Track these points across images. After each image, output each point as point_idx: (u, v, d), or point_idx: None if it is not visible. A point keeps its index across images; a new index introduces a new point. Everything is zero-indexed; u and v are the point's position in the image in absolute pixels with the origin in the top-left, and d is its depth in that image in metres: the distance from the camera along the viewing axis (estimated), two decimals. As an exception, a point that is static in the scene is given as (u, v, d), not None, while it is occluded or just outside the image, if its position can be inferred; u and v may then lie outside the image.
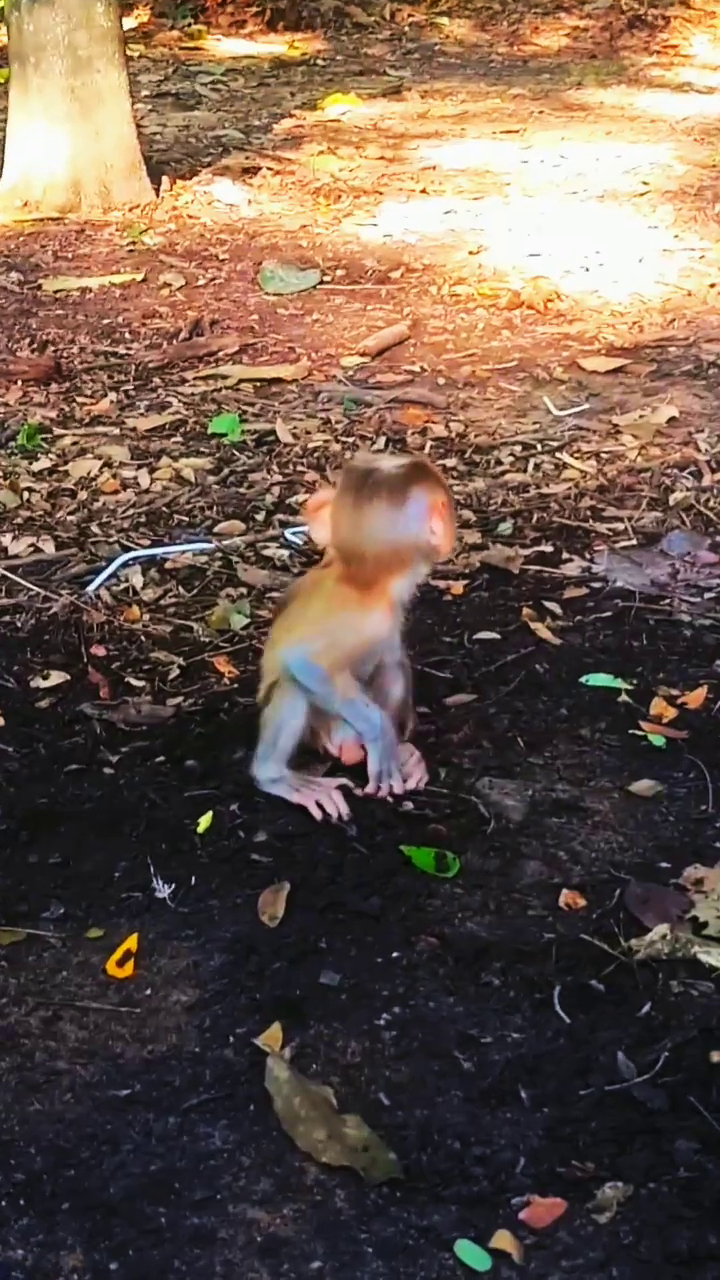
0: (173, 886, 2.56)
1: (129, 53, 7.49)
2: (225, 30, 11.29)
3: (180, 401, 4.71)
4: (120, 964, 2.39)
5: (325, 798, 2.73)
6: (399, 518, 2.61)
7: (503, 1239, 1.92)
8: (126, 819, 2.74)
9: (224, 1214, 1.96)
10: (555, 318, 5.40)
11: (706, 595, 3.51)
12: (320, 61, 10.43)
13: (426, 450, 4.31)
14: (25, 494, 4.07)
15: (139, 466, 4.24)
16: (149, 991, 2.35)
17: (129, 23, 10.36)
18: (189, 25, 11.26)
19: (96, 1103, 2.14)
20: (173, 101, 9.02)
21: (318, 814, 2.71)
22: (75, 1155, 2.05)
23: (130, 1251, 1.91)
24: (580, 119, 8.50)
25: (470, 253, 6.05)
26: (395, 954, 2.41)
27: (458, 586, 3.56)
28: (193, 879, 2.58)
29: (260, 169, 7.29)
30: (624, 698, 3.09)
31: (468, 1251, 1.91)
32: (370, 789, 2.74)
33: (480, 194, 6.93)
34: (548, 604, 3.47)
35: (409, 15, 11.72)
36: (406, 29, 11.49)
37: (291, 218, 6.62)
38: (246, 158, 7.49)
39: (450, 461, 4.25)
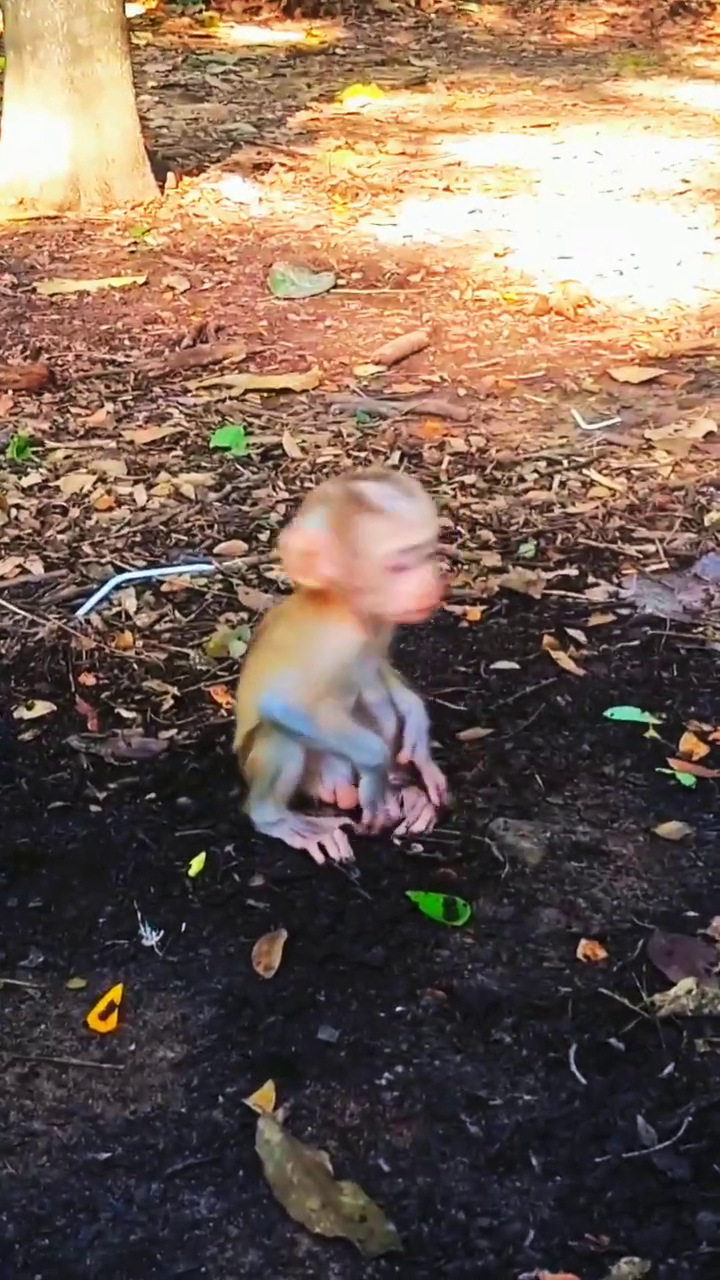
0: (161, 934, 2.56)
1: (134, 41, 7.57)
2: (238, 17, 11.38)
3: (181, 413, 4.73)
4: (103, 1017, 2.39)
5: (328, 840, 2.73)
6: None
7: (510, 1318, 1.91)
8: (113, 860, 2.75)
9: (208, 1288, 1.96)
10: (586, 325, 5.41)
11: (743, 623, 3.51)
12: (339, 50, 10.51)
13: (445, 466, 4.32)
14: (13, 511, 4.09)
15: (135, 482, 4.26)
16: (133, 1047, 2.34)
17: (135, 9, 10.45)
18: (199, 11, 11.35)
19: (74, 1166, 2.14)
20: (181, 93, 9.09)
21: (319, 857, 2.71)
22: (50, 1223, 2.05)
23: (106, 1328, 1.91)
24: (617, 112, 8.55)
25: (496, 255, 6.08)
26: (399, 1008, 2.41)
27: (475, 612, 3.56)
28: (183, 925, 2.58)
29: (273, 165, 7.34)
30: (651, 733, 3.09)
31: (471, 1332, 1.90)
32: (365, 820, 2.74)
33: (508, 192, 6.96)
34: (571, 632, 3.47)
35: (435, 1, 11.80)
36: (433, 16, 11.57)
37: (305, 217, 6.66)
38: (258, 153, 7.54)
39: (470, 478, 4.26)
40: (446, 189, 7.05)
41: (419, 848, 2.75)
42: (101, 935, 2.57)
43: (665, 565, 3.77)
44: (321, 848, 2.72)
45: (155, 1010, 2.42)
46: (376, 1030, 2.37)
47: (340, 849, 2.72)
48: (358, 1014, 2.40)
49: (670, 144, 7.70)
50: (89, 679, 3.32)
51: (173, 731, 3.13)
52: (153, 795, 2.93)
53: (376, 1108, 2.23)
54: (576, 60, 10.08)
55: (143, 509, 4.12)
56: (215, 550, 3.89)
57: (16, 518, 4.07)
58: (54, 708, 3.21)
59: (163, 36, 10.74)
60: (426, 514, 2.60)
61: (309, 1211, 2.05)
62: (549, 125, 8.24)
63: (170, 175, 7.01)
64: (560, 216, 6.52)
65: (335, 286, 5.83)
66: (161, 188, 6.90)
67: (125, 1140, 2.18)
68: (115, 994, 2.43)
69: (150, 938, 2.56)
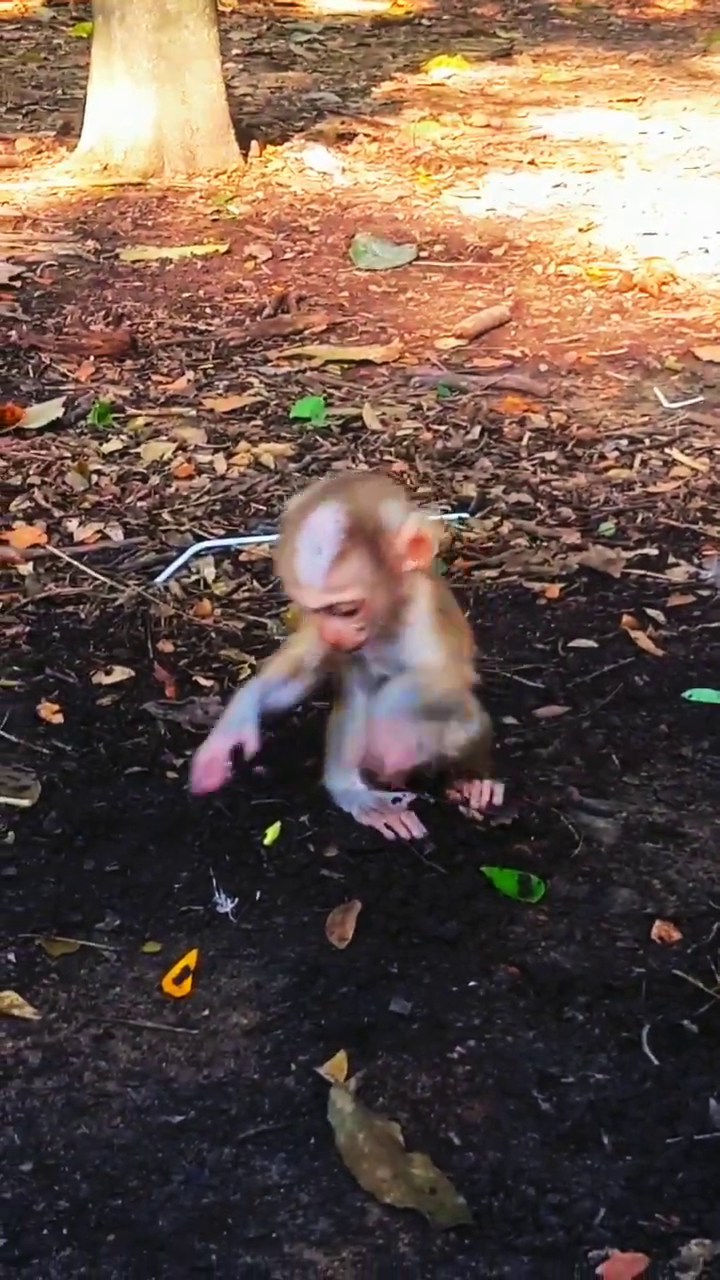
0: (236, 901, 2.57)
1: (220, 8, 7.55)
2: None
3: (262, 382, 4.73)
4: (177, 981, 2.41)
5: (395, 820, 2.73)
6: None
7: (579, 1295, 1.92)
8: (189, 828, 2.77)
9: (279, 1254, 1.97)
10: (670, 302, 5.37)
11: None
12: (425, 21, 10.46)
13: (525, 442, 4.31)
14: (94, 477, 4.11)
15: (215, 451, 4.27)
16: (207, 1012, 2.36)
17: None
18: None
19: (147, 1129, 2.16)
20: (265, 61, 9.07)
21: (389, 835, 2.71)
22: (123, 1184, 2.07)
23: (177, 1289, 1.93)
24: (705, 88, 8.46)
25: (580, 230, 6.04)
26: (472, 983, 2.42)
27: (553, 589, 3.56)
28: (257, 894, 2.60)
29: (356, 135, 7.32)
30: (730, 716, 3.07)
31: (540, 1307, 1.91)
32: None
33: (593, 167, 6.91)
34: (650, 611, 3.46)
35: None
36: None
37: (388, 188, 6.64)
38: (342, 123, 7.51)
39: (550, 455, 4.24)
40: (531, 162, 7.00)
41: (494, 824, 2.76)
42: (177, 901, 2.60)
43: (746, 547, 3.75)
44: (390, 826, 2.73)
45: (229, 977, 2.43)
46: (449, 1004, 2.38)
47: (411, 829, 2.72)
48: (430, 987, 2.41)
49: (758, 121, 7.63)
50: (167, 646, 3.34)
51: (250, 700, 3.14)
52: (228, 764, 2.94)
53: (448, 1081, 2.24)
54: (664, 35, 9.98)
55: (222, 478, 4.14)
56: (294, 521, 3.89)
57: (97, 484, 4.09)
58: (132, 674, 3.23)
59: (248, 4, 10.71)
60: (311, 578, 2.53)
61: (380, 1181, 2.06)
62: (635, 100, 8.17)
63: (254, 144, 7.00)
64: (645, 192, 6.47)
65: (417, 259, 5.81)
66: (245, 156, 6.89)
67: (198, 1104, 2.20)
68: (190, 959, 2.45)
69: (225, 905, 2.57)
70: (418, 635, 2.68)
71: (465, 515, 3.90)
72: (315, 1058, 2.27)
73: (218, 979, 2.43)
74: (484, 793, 2.80)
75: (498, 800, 2.79)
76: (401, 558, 2.58)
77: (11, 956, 2.47)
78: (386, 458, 4.23)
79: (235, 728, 2.72)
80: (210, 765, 2.71)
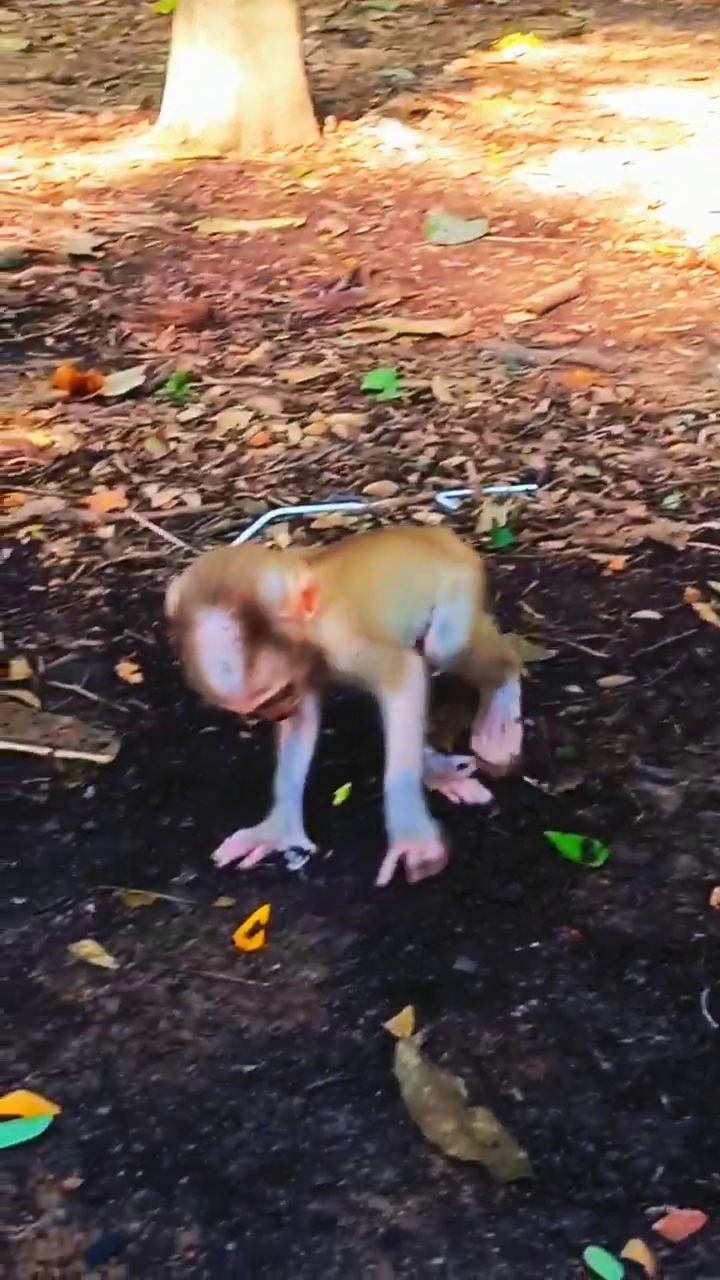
0: (306, 859, 2.58)
1: (299, -15, 7.51)
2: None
3: (335, 354, 4.72)
4: (249, 935, 2.42)
5: (459, 786, 2.74)
6: None
7: (636, 1249, 1.91)
8: (262, 787, 2.77)
9: (346, 1201, 1.98)
10: (736, 280, 5.32)
11: None
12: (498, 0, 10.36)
13: (592, 416, 4.28)
14: (172, 444, 4.12)
15: (289, 420, 4.26)
16: (277, 966, 2.37)
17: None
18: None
19: (219, 1077, 2.17)
20: (341, 38, 9.02)
21: (453, 799, 2.71)
22: (195, 1130, 2.09)
23: (248, 1233, 1.94)
24: (773, 68, 8.35)
25: (649, 207, 5.98)
26: (535, 944, 2.42)
27: (618, 561, 3.53)
28: (328, 853, 2.60)
29: (430, 111, 7.27)
30: (791, 688, 3.05)
31: (598, 1259, 1.91)
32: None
33: (662, 145, 6.84)
34: (713, 584, 3.43)
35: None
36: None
37: (460, 164, 6.59)
38: (416, 99, 7.46)
39: (617, 429, 4.21)
40: (600, 140, 6.93)
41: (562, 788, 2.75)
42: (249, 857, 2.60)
43: None
44: (454, 792, 2.73)
45: (299, 932, 2.44)
46: (512, 964, 2.38)
47: (475, 795, 2.73)
48: (494, 948, 2.41)
49: None
50: (242, 610, 3.34)
51: (321, 664, 3.14)
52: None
53: (511, 1039, 2.24)
54: (734, 14, 9.85)
55: (296, 447, 4.13)
56: (365, 489, 3.89)
57: (175, 451, 4.10)
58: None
59: (325, -19, 10.65)
60: (232, 693, 2.46)
61: (443, 1134, 2.06)
62: (704, 79, 8.06)
63: (330, 119, 6.97)
64: (713, 171, 6.39)
65: (488, 234, 5.77)
66: (321, 131, 6.86)
67: (268, 1055, 2.21)
68: (262, 914, 2.45)
69: (296, 863, 2.58)
70: (357, 661, 2.59)
71: (532, 487, 3.88)
72: (382, 1013, 2.27)
73: (288, 934, 2.44)
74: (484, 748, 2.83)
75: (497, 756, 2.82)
76: (299, 617, 2.47)
77: (90, 907, 2.49)
78: (456, 429, 4.21)
79: (279, 833, 2.64)
80: (239, 849, 2.63)
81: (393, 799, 2.55)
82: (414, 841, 2.53)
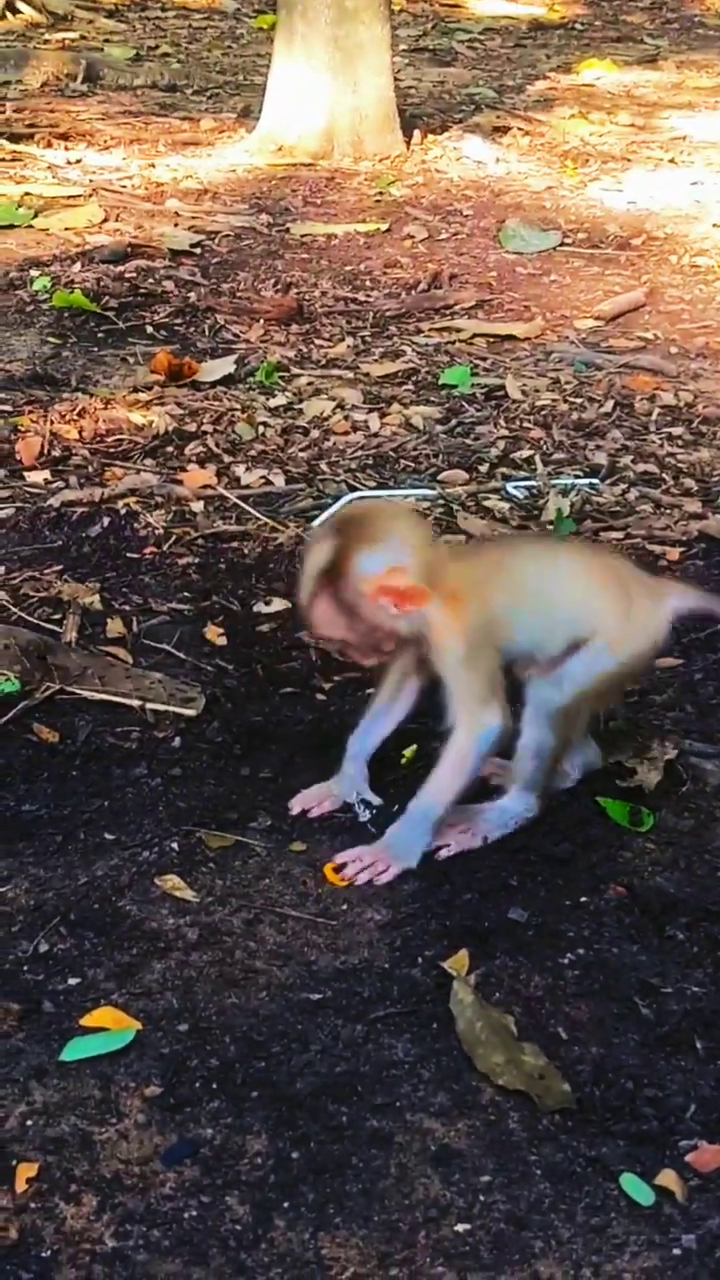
0: (374, 812, 2.63)
1: (391, 7, 7.53)
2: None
3: (414, 351, 4.75)
4: (337, 870, 2.48)
5: (452, 833, 2.59)
6: None
7: (668, 1178, 1.95)
8: (334, 743, 2.81)
9: (402, 1120, 2.03)
10: None
11: None
12: (578, 26, 10.34)
13: (654, 417, 4.29)
14: (261, 428, 4.17)
15: (370, 410, 4.30)
16: (345, 907, 2.42)
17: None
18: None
19: (289, 1003, 2.22)
20: (429, 57, 9.03)
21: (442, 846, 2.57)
22: (266, 1049, 2.14)
23: (312, 1144, 2.00)
24: None
25: (714, 225, 5.98)
26: (583, 899, 2.45)
27: (674, 552, 3.56)
28: (395, 806, 2.64)
29: (510, 129, 7.28)
30: None
31: (633, 1185, 1.95)
32: None
33: (729, 167, 6.83)
34: (763, 578, 3.46)
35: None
36: (678, 2, 11.31)
37: (537, 178, 6.61)
38: (498, 117, 7.48)
39: (677, 430, 4.23)
40: (671, 161, 6.93)
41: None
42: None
43: None
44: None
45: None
46: (561, 916, 2.42)
47: (463, 844, 2.59)
48: (545, 900, 2.45)
49: None
50: (321, 582, 3.39)
51: (393, 635, 3.19)
52: (371, 690, 2.99)
53: (558, 983, 2.28)
54: None
55: (375, 435, 4.17)
56: (439, 477, 3.93)
57: (263, 434, 4.15)
58: (289, 605, 3.29)
59: (416, 4, 10.66)
60: (303, 613, 2.51)
61: (493, 1065, 2.11)
62: (771, 107, 8.04)
63: (416, 132, 6.99)
64: (777, 193, 6.38)
65: (561, 245, 5.79)
66: (408, 143, 6.89)
67: (335, 985, 2.26)
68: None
69: (363, 815, 2.63)
70: (449, 668, 2.50)
71: (596, 481, 3.90)
72: (440, 953, 2.32)
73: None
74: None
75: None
76: (377, 604, 2.42)
77: (175, 845, 2.55)
78: (525, 425, 4.24)
79: (345, 789, 2.65)
80: (310, 801, 2.66)
81: (405, 820, 2.53)
82: (385, 856, 2.49)
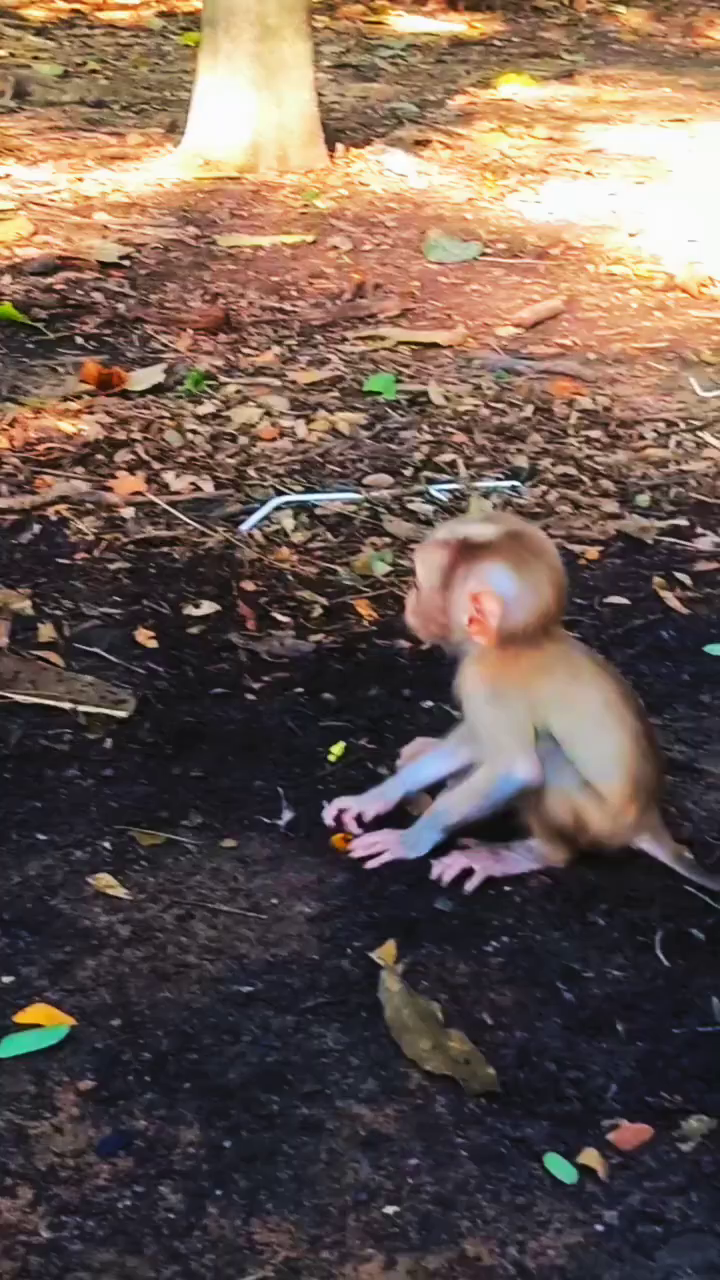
0: (293, 814, 2.62)
1: (314, 24, 7.53)
2: (407, 7, 11.28)
3: (340, 359, 4.76)
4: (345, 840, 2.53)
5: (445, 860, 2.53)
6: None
7: (590, 1156, 1.97)
8: (264, 742, 2.83)
9: (331, 1107, 2.04)
10: (708, 302, 5.37)
11: None
12: (497, 42, 10.39)
13: (573, 421, 4.33)
14: (189, 435, 4.16)
15: (297, 417, 4.31)
16: (275, 901, 2.43)
17: (316, -5, 10.39)
18: (373, 1, 11.26)
19: (221, 996, 2.22)
20: (352, 73, 9.04)
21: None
22: (198, 1041, 2.14)
23: (243, 1133, 2.00)
24: (747, 112, 8.39)
25: (629, 235, 6.03)
26: (508, 888, 2.47)
27: (592, 552, 3.59)
28: (324, 802, 2.65)
29: (431, 142, 7.30)
30: (746, 669, 3.11)
31: (556, 1164, 1.96)
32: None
33: (644, 179, 6.88)
34: (678, 575, 3.49)
35: (587, 2, 11.61)
36: (584, 15, 11.39)
37: (458, 191, 6.63)
38: (419, 131, 7.50)
39: (595, 433, 4.26)
40: (588, 173, 6.97)
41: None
42: (251, 804, 2.65)
43: (767, 522, 3.77)
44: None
45: (295, 872, 2.49)
46: (487, 905, 2.43)
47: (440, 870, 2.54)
48: (472, 891, 2.46)
49: None
50: (249, 585, 3.39)
51: (320, 636, 3.20)
52: (300, 689, 3.00)
53: (483, 970, 2.29)
54: (713, 63, 9.87)
55: (302, 441, 4.17)
56: (364, 481, 3.94)
57: (192, 441, 4.14)
58: (218, 608, 3.29)
59: (338, 21, 10.66)
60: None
61: (421, 1051, 2.12)
62: (684, 120, 8.10)
63: (340, 146, 6.99)
64: (690, 203, 6.43)
65: (482, 255, 5.80)
66: (332, 157, 6.88)
67: (265, 978, 2.26)
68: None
69: (286, 814, 2.62)
70: (470, 715, 2.50)
71: (517, 484, 3.93)
72: (368, 944, 2.33)
73: (285, 873, 2.49)
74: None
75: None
76: (459, 607, 2.42)
77: (107, 845, 2.54)
78: (448, 430, 4.26)
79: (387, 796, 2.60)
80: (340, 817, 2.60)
81: (424, 818, 2.53)
82: (394, 842, 2.50)
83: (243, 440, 4.16)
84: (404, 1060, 2.11)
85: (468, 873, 2.47)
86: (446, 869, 2.47)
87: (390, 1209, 1.90)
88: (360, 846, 2.52)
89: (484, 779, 2.47)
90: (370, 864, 2.49)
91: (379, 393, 4.47)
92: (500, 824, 2.52)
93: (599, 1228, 1.89)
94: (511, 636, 2.40)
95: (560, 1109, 2.05)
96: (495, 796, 2.47)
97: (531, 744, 2.42)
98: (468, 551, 2.41)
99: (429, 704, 2.93)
